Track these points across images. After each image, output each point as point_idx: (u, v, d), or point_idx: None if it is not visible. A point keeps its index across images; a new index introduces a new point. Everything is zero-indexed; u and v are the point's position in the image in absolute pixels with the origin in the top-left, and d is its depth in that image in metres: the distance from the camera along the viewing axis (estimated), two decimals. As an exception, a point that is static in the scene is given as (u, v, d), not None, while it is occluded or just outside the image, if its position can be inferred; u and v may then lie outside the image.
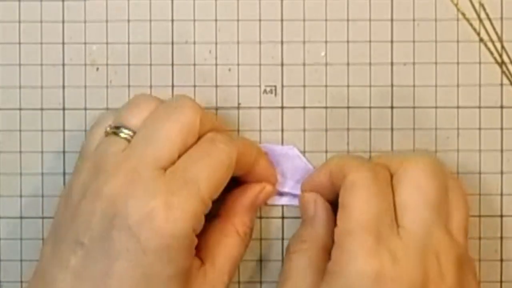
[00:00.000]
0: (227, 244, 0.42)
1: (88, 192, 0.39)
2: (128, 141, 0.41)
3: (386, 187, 0.40)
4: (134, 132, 0.41)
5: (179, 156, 0.40)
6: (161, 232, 0.38)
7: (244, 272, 0.46)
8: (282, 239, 0.46)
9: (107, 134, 0.42)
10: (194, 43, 0.46)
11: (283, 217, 0.46)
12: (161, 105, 0.42)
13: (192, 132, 0.41)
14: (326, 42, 0.46)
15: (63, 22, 0.46)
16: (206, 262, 0.42)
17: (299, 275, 0.41)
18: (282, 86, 0.46)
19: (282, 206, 0.46)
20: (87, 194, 0.39)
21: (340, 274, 0.38)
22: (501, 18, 0.46)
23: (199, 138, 0.41)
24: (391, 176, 0.41)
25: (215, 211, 0.43)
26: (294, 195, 0.45)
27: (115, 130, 0.41)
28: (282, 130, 0.46)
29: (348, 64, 0.46)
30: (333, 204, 0.43)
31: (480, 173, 0.45)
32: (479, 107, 0.45)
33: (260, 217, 0.46)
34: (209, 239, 0.42)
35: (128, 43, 0.46)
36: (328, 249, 0.41)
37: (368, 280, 0.38)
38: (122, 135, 0.41)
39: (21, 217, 0.46)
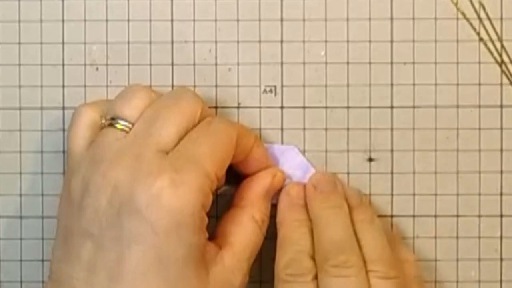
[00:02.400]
0: (245, 231, 0.42)
1: (91, 185, 0.39)
2: (126, 132, 0.41)
3: None
4: (131, 123, 0.41)
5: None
6: (170, 210, 0.38)
7: (244, 272, 0.46)
8: (282, 239, 0.46)
9: (102, 126, 0.41)
10: (194, 42, 0.46)
11: (283, 217, 0.46)
12: (163, 96, 0.42)
13: (193, 120, 0.41)
14: (326, 41, 0.46)
15: (63, 22, 0.46)
16: (224, 249, 0.41)
17: None
18: (282, 86, 0.46)
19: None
20: (90, 187, 0.39)
21: None
22: (501, 18, 0.46)
23: None
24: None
25: (231, 201, 0.44)
26: None
27: (112, 122, 0.41)
28: (282, 130, 0.46)
29: (348, 63, 0.46)
30: None
31: (480, 173, 0.45)
32: (479, 107, 0.45)
33: (260, 217, 0.46)
34: (226, 227, 0.42)
35: (128, 43, 0.46)
36: None
37: None
38: (118, 126, 0.41)
39: (21, 217, 0.46)
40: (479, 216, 0.45)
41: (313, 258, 0.42)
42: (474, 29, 0.45)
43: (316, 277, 0.41)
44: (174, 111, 0.41)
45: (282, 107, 0.46)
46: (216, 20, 0.46)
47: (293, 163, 0.45)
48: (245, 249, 0.42)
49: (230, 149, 0.41)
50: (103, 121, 0.42)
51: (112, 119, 0.41)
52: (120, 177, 0.39)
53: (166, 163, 0.39)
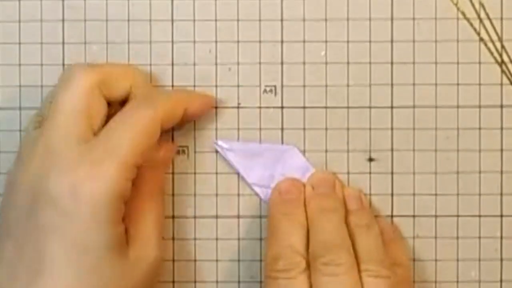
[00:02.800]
0: (143, 208, 0.42)
1: (9, 183, 0.40)
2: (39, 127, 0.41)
3: None
4: (41, 117, 0.41)
5: (91, 122, 0.40)
6: (87, 201, 0.38)
7: (244, 272, 0.46)
8: (282, 239, 0.46)
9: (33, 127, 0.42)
10: (194, 42, 0.46)
11: (283, 217, 0.46)
12: (57, 85, 0.42)
13: (91, 94, 0.41)
14: (326, 41, 0.46)
15: (63, 22, 0.46)
16: (131, 228, 0.41)
17: None
18: (282, 86, 0.46)
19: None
20: (8, 186, 0.40)
21: None
22: (501, 18, 0.46)
23: (120, 102, 0.42)
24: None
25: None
26: None
27: (35, 120, 0.42)
28: (282, 130, 0.46)
29: (348, 63, 0.45)
30: None
31: (480, 173, 0.45)
32: (479, 107, 0.45)
33: (260, 217, 0.46)
34: (129, 206, 0.42)
35: (128, 43, 0.46)
36: None
37: None
38: (36, 122, 0.41)
39: (21, 217, 0.46)
40: (479, 216, 0.45)
41: (300, 252, 0.42)
42: (474, 29, 0.45)
43: (304, 270, 0.41)
44: (67, 94, 0.40)
45: (282, 107, 0.46)
46: (216, 20, 0.46)
47: (293, 163, 0.45)
48: (148, 224, 0.42)
49: (153, 136, 0.41)
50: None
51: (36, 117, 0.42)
52: (35, 171, 0.39)
53: (82, 156, 0.39)
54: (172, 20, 0.46)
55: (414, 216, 0.46)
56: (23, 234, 0.39)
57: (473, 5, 0.46)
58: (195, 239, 0.46)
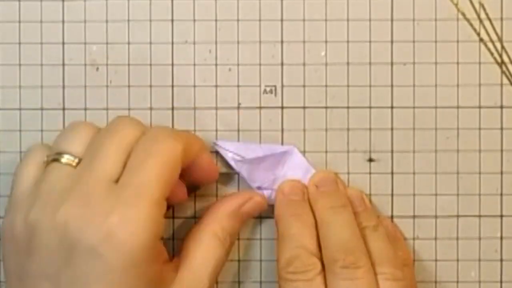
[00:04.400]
0: (205, 248, 0.42)
1: (39, 226, 0.39)
2: (71, 166, 0.40)
3: None
4: (76, 157, 0.41)
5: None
6: (124, 247, 0.38)
7: (244, 272, 0.46)
8: (282, 239, 0.46)
9: (47, 163, 0.41)
10: (194, 43, 0.46)
11: (283, 217, 0.46)
12: (99, 129, 0.42)
13: (130, 144, 0.40)
14: (326, 42, 0.46)
15: (63, 22, 0.46)
16: (183, 266, 0.41)
17: None
18: (282, 86, 0.46)
19: (282, 206, 0.46)
20: (38, 229, 0.39)
21: None
22: (501, 18, 0.46)
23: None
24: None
25: (198, 218, 0.43)
26: None
27: (56, 157, 0.41)
28: (282, 130, 0.46)
29: (348, 64, 0.45)
30: None
31: (480, 173, 0.45)
32: (479, 107, 0.45)
33: (260, 217, 0.46)
34: (188, 243, 0.42)
35: (128, 43, 0.46)
36: None
37: None
38: (63, 160, 0.41)
39: (21, 217, 0.46)
40: (479, 216, 0.45)
41: (314, 253, 0.41)
42: (474, 29, 0.45)
43: (320, 272, 0.41)
44: (113, 140, 0.40)
45: (282, 107, 0.46)
46: (216, 20, 0.46)
47: (294, 164, 0.45)
48: (204, 266, 0.41)
49: (177, 168, 0.40)
50: (46, 158, 0.41)
51: (57, 154, 0.41)
52: (69, 217, 0.38)
53: (114, 198, 0.38)
54: (172, 20, 0.46)
55: (414, 216, 0.46)
56: (61, 277, 0.38)
57: (473, 5, 0.46)
58: (195, 239, 0.46)
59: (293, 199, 0.44)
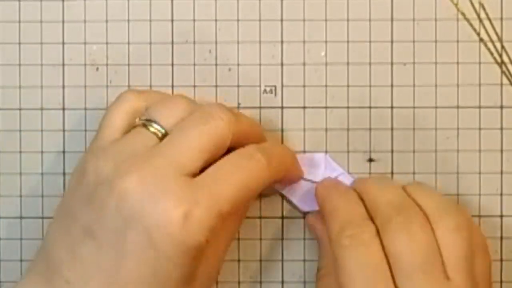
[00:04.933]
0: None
1: (106, 180, 0.39)
2: (157, 136, 0.40)
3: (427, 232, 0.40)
4: (164, 130, 0.41)
5: (206, 166, 0.40)
6: (177, 240, 0.38)
7: (244, 272, 0.46)
8: (282, 239, 0.46)
9: (135, 125, 0.41)
10: (194, 43, 0.46)
11: (283, 217, 0.46)
12: (196, 112, 0.41)
13: (223, 145, 0.40)
14: (326, 42, 0.46)
15: (63, 22, 0.46)
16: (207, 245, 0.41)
17: None
18: (282, 86, 0.46)
19: (282, 206, 0.46)
20: (105, 182, 0.39)
21: None
22: (501, 18, 0.46)
23: (231, 148, 0.41)
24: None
25: None
26: None
27: (146, 123, 0.41)
28: (282, 130, 0.46)
29: (348, 64, 0.46)
30: None
31: (480, 173, 0.45)
32: (479, 107, 0.45)
33: (260, 217, 0.46)
34: None
35: (128, 43, 0.46)
36: None
37: None
38: (151, 129, 0.41)
39: (21, 217, 0.46)
40: (479, 216, 0.45)
41: (365, 217, 0.41)
42: (474, 29, 0.45)
43: (376, 235, 0.40)
44: (204, 135, 0.40)
45: (282, 107, 0.46)
46: (216, 20, 0.46)
47: (325, 170, 0.45)
48: (223, 241, 0.41)
49: (258, 190, 0.40)
50: (138, 120, 0.41)
51: (148, 120, 0.41)
52: (135, 187, 0.38)
53: (185, 192, 0.38)
54: (172, 20, 0.46)
55: (414, 216, 0.46)
56: (106, 243, 0.38)
57: (473, 5, 0.46)
58: (195, 239, 0.46)
59: (338, 185, 0.44)
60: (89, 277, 0.38)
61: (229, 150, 0.41)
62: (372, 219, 0.41)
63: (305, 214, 0.45)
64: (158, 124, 0.41)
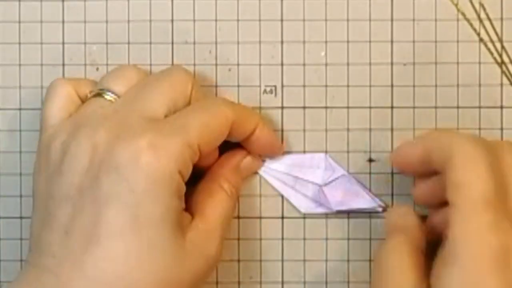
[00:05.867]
0: (214, 200, 0.42)
1: (72, 148, 0.39)
2: (112, 103, 0.41)
3: (498, 164, 0.39)
4: (119, 96, 0.41)
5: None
6: (148, 170, 0.38)
7: (244, 272, 0.46)
8: (282, 239, 0.46)
9: (87, 98, 0.42)
10: (194, 43, 0.46)
11: (283, 217, 0.46)
12: (148, 74, 0.43)
13: (183, 93, 0.42)
14: (326, 42, 0.46)
15: (63, 22, 0.46)
16: (196, 216, 0.41)
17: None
18: (282, 86, 0.46)
19: (282, 206, 0.46)
20: (71, 150, 0.39)
21: (464, 253, 0.37)
22: (501, 18, 0.46)
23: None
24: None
25: (204, 175, 0.44)
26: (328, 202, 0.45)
27: (99, 92, 0.42)
28: (282, 130, 0.46)
29: (348, 64, 0.46)
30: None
31: (480, 173, 0.45)
32: (479, 107, 0.45)
33: (260, 217, 0.46)
34: (197, 197, 0.42)
35: (128, 43, 0.46)
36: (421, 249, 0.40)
37: (496, 254, 0.36)
38: (107, 97, 0.42)
39: (21, 217, 0.46)
40: (479, 216, 0.45)
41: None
42: (474, 29, 0.45)
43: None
44: (163, 83, 0.41)
45: (282, 107, 0.46)
46: (216, 20, 0.46)
47: (325, 170, 0.45)
48: (217, 217, 0.42)
49: (222, 129, 0.41)
50: (90, 93, 0.42)
51: (101, 90, 0.42)
52: (102, 138, 0.39)
53: (149, 126, 0.39)
54: (172, 20, 0.46)
55: (414, 216, 0.46)
56: (83, 200, 0.38)
57: (473, 5, 0.46)
58: (195, 239, 0.46)
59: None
60: (71, 241, 0.38)
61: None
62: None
63: (305, 214, 0.45)
64: (113, 92, 0.42)
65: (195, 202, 0.42)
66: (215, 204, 0.42)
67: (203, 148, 0.40)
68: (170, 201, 0.39)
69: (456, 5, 0.46)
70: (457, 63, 0.45)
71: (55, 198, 0.39)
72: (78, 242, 0.38)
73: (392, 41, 0.46)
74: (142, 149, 0.38)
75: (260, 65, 0.46)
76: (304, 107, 0.46)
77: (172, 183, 0.39)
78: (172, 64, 0.45)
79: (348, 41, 0.46)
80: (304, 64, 0.46)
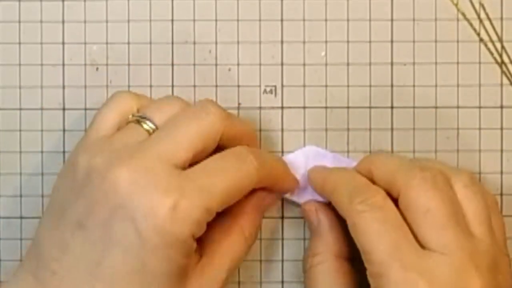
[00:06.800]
0: (229, 241, 0.42)
1: (98, 172, 0.39)
2: (149, 133, 0.41)
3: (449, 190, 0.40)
4: (157, 127, 0.41)
5: (196, 161, 0.40)
6: (164, 231, 0.38)
7: (244, 272, 0.46)
8: (282, 239, 0.46)
9: (129, 121, 0.41)
10: (194, 43, 0.46)
11: (283, 217, 0.46)
12: (186, 108, 0.41)
13: (213, 138, 0.40)
14: (326, 42, 0.46)
15: (63, 22, 0.46)
16: (205, 257, 0.41)
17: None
18: (282, 86, 0.46)
19: (282, 206, 0.46)
20: (94, 176, 0.39)
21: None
22: (501, 18, 0.46)
23: (222, 147, 0.41)
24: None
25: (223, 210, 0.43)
26: None
27: (139, 119, 0.41)
28: (282, 130, 0.46)
29: (348, 64, 0.46)
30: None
31: (480, 173, 0.45)
32: (479, 107, 0.45)
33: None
34: (212, 236, 0.42)
35: (128, 43, 0.46)
36: (342, 254, 0.42)
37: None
38: (145, 126, 0.41)
39: (21, 217, 0.46)
40: (479, 216, 0.45)
41: (372, 184, 0.41)
42: (474, 29, 0.45)
43: (386, 196, 0.40)
44: (193, 126, 0.40)
45: (282, 107, 0.46)
46: (216, 20, 0.46)
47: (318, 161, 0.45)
48: (226, 260, 0.41)
49: (245, 190, 0.41)
50: (131, 117, 0.42)
51: (141, 117, 0.41)
52: (124, 178, 0.38)
53: (173, 183, 0.38)
54: (173, 20, 0.46)
55: (414, 216, 0.46)
56: (94, 234, 0.38)
57: (473, 5, 0.46)
58: (195, 239, 0.46)
59: (325, 167, 0.44)
60: (75, 268, 0.38)
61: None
62: (385, 186, 0.41)
63: (305, 214, 0.45)
64: (151, 122, 0.41)
65: (209, 240, 0.42)
66: (229, 247, 0.42)
67: (221, 209, 0.40)
68: (179, 261, 0.39)
69: (456, 5, 0.46)
70: (457, 63, 0.45)
71: (69, 219, 0.39)
72: (81, 271, 0.38)
73: (392, 41, 0.46)
74: (162, 209, 0.38)
75: (260, 65, 0.46)
76: (304, 107, 0.46)
77: (184, 246, 0.38)
78: (172, 64, 0.45)
79: (348, 41, 0.46)
80: (304, 64, 0.46)
